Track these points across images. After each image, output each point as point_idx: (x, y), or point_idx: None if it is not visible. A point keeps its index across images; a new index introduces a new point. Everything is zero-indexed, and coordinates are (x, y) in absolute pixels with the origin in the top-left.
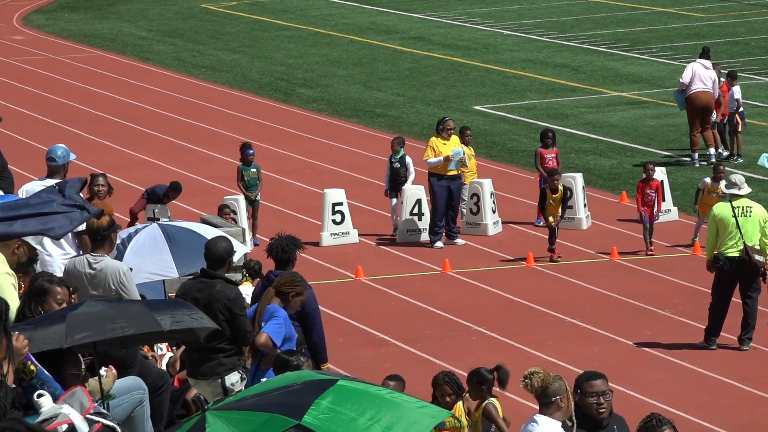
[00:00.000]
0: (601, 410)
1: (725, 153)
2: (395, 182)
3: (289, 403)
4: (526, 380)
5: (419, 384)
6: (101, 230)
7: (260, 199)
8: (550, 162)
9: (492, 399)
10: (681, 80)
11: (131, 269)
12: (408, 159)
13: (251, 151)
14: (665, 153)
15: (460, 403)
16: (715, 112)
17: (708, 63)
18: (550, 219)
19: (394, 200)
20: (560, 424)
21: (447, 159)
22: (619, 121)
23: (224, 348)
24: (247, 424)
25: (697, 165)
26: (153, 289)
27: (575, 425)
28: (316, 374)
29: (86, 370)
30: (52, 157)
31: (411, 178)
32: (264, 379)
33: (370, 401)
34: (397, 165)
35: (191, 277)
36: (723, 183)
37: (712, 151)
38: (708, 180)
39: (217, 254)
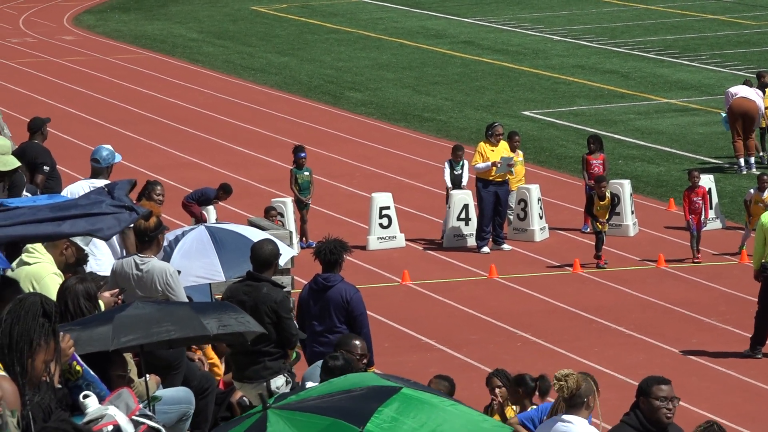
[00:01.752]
0: (669, 415)
1: (761, 154)
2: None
3: (352, 408)
4: (561, 383)
5: (464, 389)
6: (148, 231)
7: (311, 203)
8: (596, 168)
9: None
10: (725, 94)
11: (179, 272)
12: (466, 164)
13: (303, 154)
14: (713, 161)
15: (511, 408)
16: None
17: (759, 92)
18: (598, 225)
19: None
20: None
21: (495, 164)
22: (667, 128)
23: (270, 351)
24: (310, 427)
25: (744, 172)
26: (199, 291)
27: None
28: (380, 379)
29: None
30: (96, 158)
31: (465, 181)
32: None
33: (433, 413)
34: (459, 171)
35: (238, 279)
36: None
37: (752, 160)
38: (752, 191)
39: (263, 257)
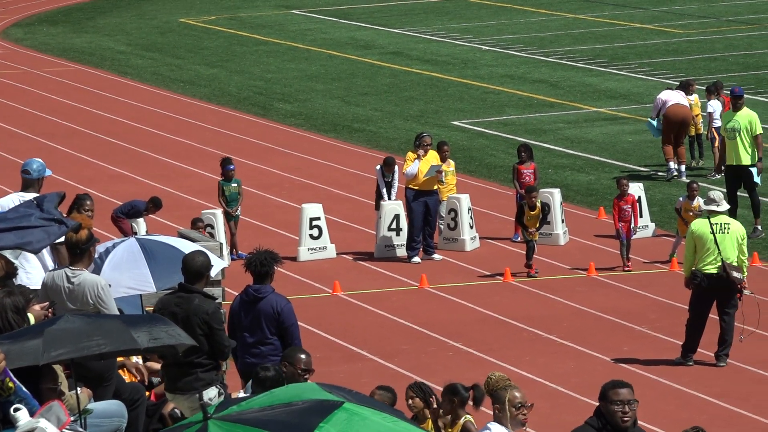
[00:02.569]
0: (626, 419)
1: (693, 164)
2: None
3: (293, 423)
4: (488, 378)
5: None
6: (80, 244)
7: (239, 214)
8: (527, 177)
9: (469, 416)
10: (655, 101)
11: (110, 285)
12: (396, 176)
13: (232, 167)
14: (643, 169)
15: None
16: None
17: (682, 94)
18: (528, 235)
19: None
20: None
21: (419, 157)
22: (596, 137)
23: (202, 363)
24: None
25: (675, 175)
26: (130, 304)
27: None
28: (322, 391)
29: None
30: (27, 170)
31: (394, 191)
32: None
33: (375, 429)
34: (389, 180)
35: (169, 291)
36: (701, 199)
37: (683, 168)
38: (682, 199)
39: (195, 268)
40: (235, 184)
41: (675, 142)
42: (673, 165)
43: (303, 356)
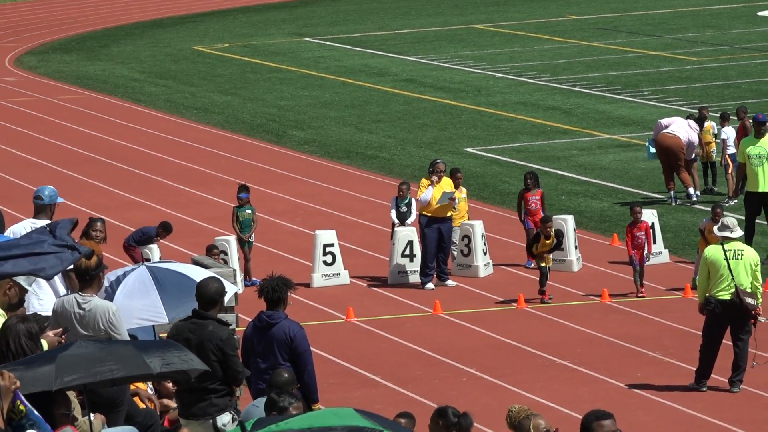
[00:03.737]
0: None
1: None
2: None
3: None
4: (509, 411)
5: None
6: (89, 270)
7: (253, 241)
8: (533, 204)
9: None
10: (657, 124)
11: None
12: (413, 202)
13: (245, 195)
14: (656, 195)
15: None
16: (696, 152)
17: (695, 127)
18: (541, 262)
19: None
20: None
21: (432, 183)
22: (610, 164)
23: (216, 389)
24: None
25: (678, 203)
26: (143, 330)
27: None
28: (360, 418)
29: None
30: (39, 196)
31: (412, 218)
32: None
33: None
34: (404, 209)
35: (183, 318)
36: (715, 226)
37: (691, 191)
38: (706, 220)
39: (209, 295)
40: (249, 211)
41: (669, 170)
42: (672, 193)
43: (287, 375)
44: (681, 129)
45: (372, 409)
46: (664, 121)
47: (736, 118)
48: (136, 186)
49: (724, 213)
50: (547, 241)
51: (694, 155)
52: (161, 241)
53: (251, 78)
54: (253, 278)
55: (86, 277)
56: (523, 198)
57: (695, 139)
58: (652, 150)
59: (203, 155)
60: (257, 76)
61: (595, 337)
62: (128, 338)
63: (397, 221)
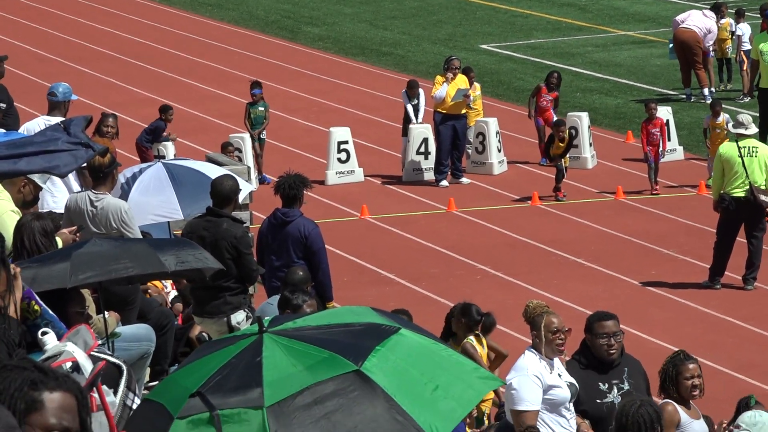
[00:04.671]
0: (612, 351)
1: (722, 87)
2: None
3: (350, 344)
4: (526, 306)
5: (423, 322)
6: (103, 167)
7: (266, 137)
8: (546, 102)
9: (470, 337)
10: (674, 20)
11: (135, 212)
12: (423, 98)
13: (258, 90)
14: (671, 92)
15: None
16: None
17: (711, 15)
18: (561, 161)
19: (406, 139)
20: (538, 357)
21: (447, 79)
22: (625, 60)
23: (230, 287)
24: (306, 357)
25: (692, 100)
26: (158, 228)
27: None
28: (378, 316)
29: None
30: (53, 93)
31: (421, 114)
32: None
33: (429, 357)
34: (415, 102)
35: (198, 215)
36: (730, 123)
37: (706, 91)
38: (707, 117)
39: (224, 193)
40: (262, 108)
41: (686, 67)
42: (688, 90)
43: (302, 273)
44: (696, 21)
45: (386, 307)
46: (679, 18)
47: (759, 15)
48: (149, 83)
49: (739, 111)
50: (562, 144)
51: (711, 50)
52: (172, 135)
53: None
54: (264, 174)
55: (99, 175)
56: (538, 93)
57: (713, 28)
58: (670, 47)
59: (217, 51)
60: None
61: (610, 235)
62: (141, 236)
63: (413, 118)
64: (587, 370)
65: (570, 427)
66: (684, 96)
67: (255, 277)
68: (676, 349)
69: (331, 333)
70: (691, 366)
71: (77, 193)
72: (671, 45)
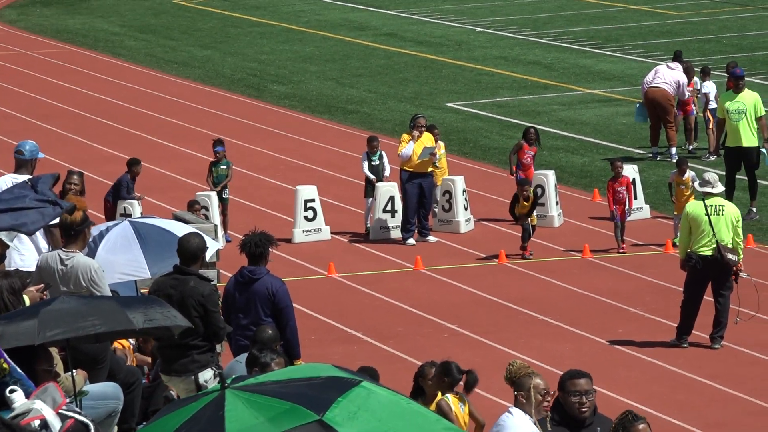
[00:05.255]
0: (583, 409)
1: (690, 147)
2: (372, 182)
3: (312, 396)
4: (508, 366)
5: (391, 381)
6: (74, 225)
7: (229, 195)
8: (528, 159)
9: (447, 396)
10: (642, 81)
11: (104, 270)
12: (384, 155)
13: (221, 148)
14: (637, 150)
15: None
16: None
17: (676, 65)
18: (528, 221)
19: (370, 199)
20: (528, 417)
21: (413, 137)
22: (591, 119)
23: (198, 345)
24: (268, 410)
25: (659, 159)
26: (125, 286)
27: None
28: (339, 371)
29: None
30: (20, 150)
31: (387, 172)
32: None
33: (392, 409)
34: (376, 162)
35: (165, 274)
36: (696, 181)
37: (673, 150)
38: (673, 173)
39: (191, 250)
40: (224, 166)
41: (656, 125)
42: (655, 149)
43: (271, 332)
44: (665, 76)
45: (353, 365)
46: (647, 78)
47: (726, 73)
48: (116, 140)
49: (706, 169)
50: (526, 203)
51: (687, 98)
52: (138, 195)
53: (231, 32)
54: (227, 233)
55: (71, 232)
56: (520, 150)
57: (681, 78)
58: (639, 109)
59: (184, 109)
60: (237, 30)
61: (577, 293)
62: (110, 295)
63: (371, 176)
64: (559, 427)
65: None
66: (651, 155)
67: (222, 335)
68: (625, 411)
69: (293, 386)
70: (640, 427)
71: (48, 252)
72: (638, 106)
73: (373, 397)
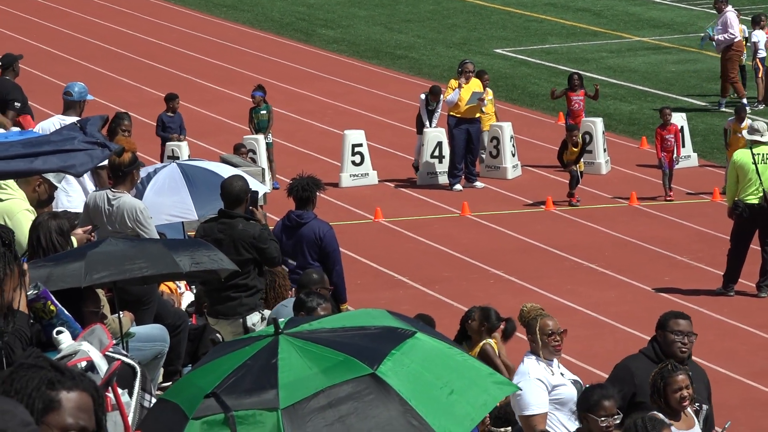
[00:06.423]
0: (684, 350)
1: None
2: (424, 124)
3: (366, 348)
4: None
5: (437, 326)
6: (122, 167)
7: (274, 139)
8: (577, 104)
9: (489, 340)
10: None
11: (150, 212)
12: (440, 104)
13: (258, 93)
14: (685, 98)
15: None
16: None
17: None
18: (575, 167)
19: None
20: (537, 360)
21: (460, 86)
22: (639, 66)
23: (248, 285)
24: (322, 360)
25: (722, 109)
26: (173, 229)
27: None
28: (394, 319)
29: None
30: (69, 92)
31: (436, 119)
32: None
33: (445, 362)
34: (432, 107)
35: (210, 218)
36: (745, 130)
37: (722, 101)
38: (731, 120)
39: (234, 193)
40: (264, 111)
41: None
42: (723, 100)
43: (316, 276)
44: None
45: (399, 310)
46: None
47: None
48: (164, 83)
49: (754, 118)
50: (575, 149)
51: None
52: (185, 137)
53: None
54: (276, 179)
55: (119, 174)
56: (567, 99)
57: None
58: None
59: (232, 53)
60: None
61: (623, 240)
62: (157, 236)
63: (426, 123)
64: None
65: None
66: (714, 105)
67: (278, 261)
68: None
69: (347, 336)
70: (679, 377)
71: (96, 191)
72: (710, 32)
73: (426, 350)
